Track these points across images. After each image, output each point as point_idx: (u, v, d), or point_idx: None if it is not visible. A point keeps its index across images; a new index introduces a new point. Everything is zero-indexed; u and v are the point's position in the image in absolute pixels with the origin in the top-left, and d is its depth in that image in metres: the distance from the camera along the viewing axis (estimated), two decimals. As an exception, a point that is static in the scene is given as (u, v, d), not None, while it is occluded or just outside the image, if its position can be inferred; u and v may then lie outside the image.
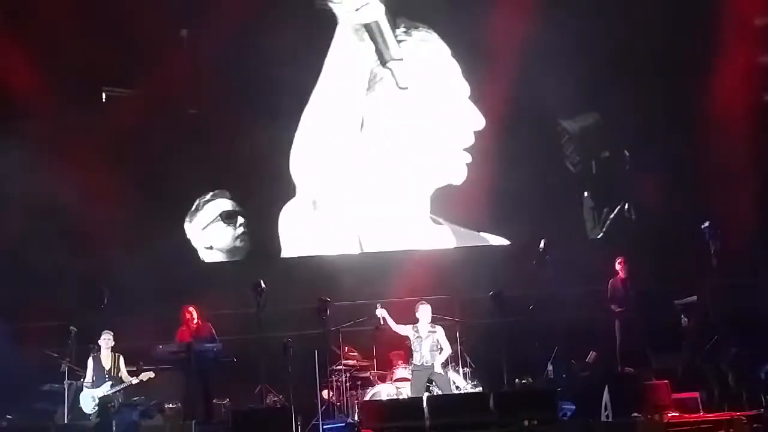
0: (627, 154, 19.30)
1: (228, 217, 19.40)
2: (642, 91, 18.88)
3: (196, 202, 19.40)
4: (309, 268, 18.79)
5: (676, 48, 18.93)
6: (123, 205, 18.17)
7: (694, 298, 16.46)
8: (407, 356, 16.20)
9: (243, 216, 19.44)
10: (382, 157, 19.38)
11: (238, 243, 19.38)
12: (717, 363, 15.48)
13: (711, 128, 18.33)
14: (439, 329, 15.69)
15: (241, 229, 19.41)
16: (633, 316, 16.52)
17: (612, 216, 19.12)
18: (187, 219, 19.36)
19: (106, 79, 18.83)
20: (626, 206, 19.04)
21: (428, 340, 15.54)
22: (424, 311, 15.73)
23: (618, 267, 16.97)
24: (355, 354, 17.30)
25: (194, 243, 19.33)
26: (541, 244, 16.91)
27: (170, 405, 16.10)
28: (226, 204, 19.43)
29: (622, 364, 16.38)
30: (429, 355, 15.51)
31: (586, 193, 19.33)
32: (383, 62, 19.11)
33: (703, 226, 16.26)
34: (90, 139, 18.33)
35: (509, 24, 18.61)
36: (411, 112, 19.33)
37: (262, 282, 16.14)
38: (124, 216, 18.20)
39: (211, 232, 19.39)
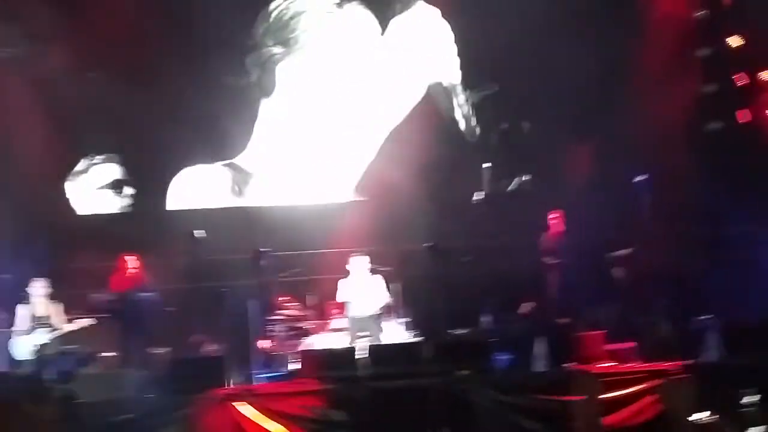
0: (528, 125, 19.35)
1: (118, 185, 19.27)
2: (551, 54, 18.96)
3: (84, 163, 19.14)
4: (245, 219, 18.78)
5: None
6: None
7: (628, 250, 16.68)
8: (344, 306, 16.35)
9: (132, 186, 19.22)
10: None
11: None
12: (650, 314, 15.71)
13: (634, 87, 18.46)
14: (378, 278, 15.80)
15: (127, 200, 19.25)
16: (567, 269, 16.68)
17: (510, 189, 19.19)
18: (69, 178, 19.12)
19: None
20: (523, 178, 19.10)
21: (363, 290, 15.66)
22: (357, 263, 15.84)
23: (552, 220, 17.21)
24: (293, 304, 17.37)
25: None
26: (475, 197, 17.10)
27: (106, 353, 16.12)
28: (116, 171, 19.24)
29: (557, 315, 16.58)
30: (364, 305, 15.63)
31: (484, 165, 19.32)
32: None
33: (635, 180, 16.49)
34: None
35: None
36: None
37: (195, 231, 16.18)
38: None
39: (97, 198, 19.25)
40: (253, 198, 19.41)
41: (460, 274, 17.19)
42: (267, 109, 19.40)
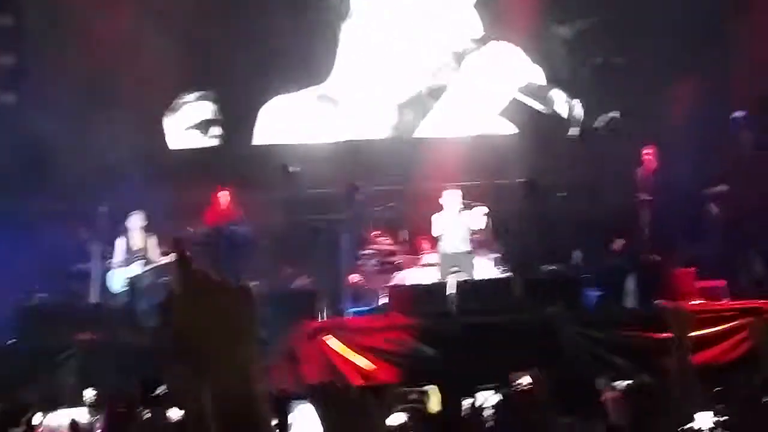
0: (621, 60, 19.03)
1: (205, 126, 19.47)
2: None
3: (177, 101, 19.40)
4: (336, 152, 18.89)
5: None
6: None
7: (725, 187, 16.46)
8: (432, 242, 16.43)
9: (222, 126, 19.44)
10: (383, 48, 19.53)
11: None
12: (745, 252, 15.53)
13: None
14: (469, 213, 15.81)
15: (215, 141, 19.48)
16: (660, 205, 16.48)
17: (598, 125, 18.97)
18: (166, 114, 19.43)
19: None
20: (611, 115, 18.82)
21: (456, 226, 15.69)
22: (449, 198, 15.85)
23: (646, 157, 17.02)
24: (385, 239, 17.51)
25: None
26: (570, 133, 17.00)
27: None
28: (207, 110, 19.46)
29: (649, 252, 16.43)
30: (456, 241, 15.68)
31: (573, 100, 19.16)
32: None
33: (733, 116, 16.21)
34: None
35: None
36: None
37: (290, 166, 16.37)
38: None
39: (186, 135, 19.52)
40: (343, 130, 19.49)
41: (552, 210, 17.14)
42: (349, 34, 19.51)
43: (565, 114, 18.79)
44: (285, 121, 19.33)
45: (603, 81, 18.88)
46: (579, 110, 18.72)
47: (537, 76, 19.23)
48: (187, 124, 19.41)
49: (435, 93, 19.34)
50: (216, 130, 19.43)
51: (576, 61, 19.20)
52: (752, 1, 18.24)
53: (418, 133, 19.50)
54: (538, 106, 19.02)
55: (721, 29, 18.17)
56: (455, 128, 19.43)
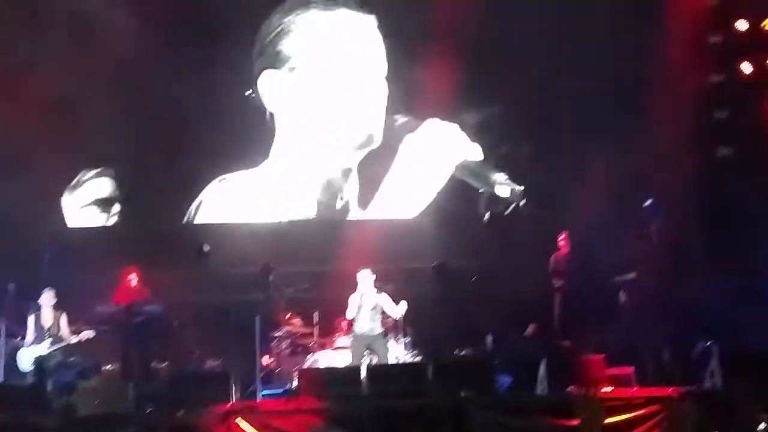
0: (527, 148, 19.30)
1: (104, 204, 19.31)
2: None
3: (77, 177, 19.19)
4: (252, 234, 18.82)
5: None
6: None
7: (633, 275, 16.73)
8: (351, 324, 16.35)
9: (121, 202, 19.26)
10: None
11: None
12: (652, 339, 15.71)
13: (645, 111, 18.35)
14: (383, 296, 15.82)
15: (114, 218, 19.27)
16: (572, 291, 16.77)
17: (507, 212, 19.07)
18: (66, 192, 19.17)
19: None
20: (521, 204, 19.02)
21: (368, 307, 15.68)
22: (363, 279, 15.87)
23: (561, 242, 17.30)
24: (297, 321, 17.46)
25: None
26: (486, 217, 17.18)
27: (108, 366, 16.21)
28: (106, 187, 19.28)
29: (560, 338, 16.62)
30: (369, 323, 15.65)
31: (481, 190, 19.22)
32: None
33: (645, 204, 16.52)
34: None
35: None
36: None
37: (205, 245, 16.26)
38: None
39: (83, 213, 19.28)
40: (259, 213, 19.44)
41: (465, 294, 17.23)
42: (279, 123, 19.53)
43: (505, 194, 18.94)
44: (206, 202, 19.36)
45: (511, 168, 19.12)
46: (517, 191, 18.93)
47: (475, 153, 19.38)
48: (84, 202, 19.19)
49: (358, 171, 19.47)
50: (115, 208, 19.27)
51: (484, 147, 19.40)
52: (668, 78, 18.35)
53: (340, 215, 19.55)
54: (477, 185, 19.16)
55: (634, 110, 18.39)
56: (375, 211, 19.51)
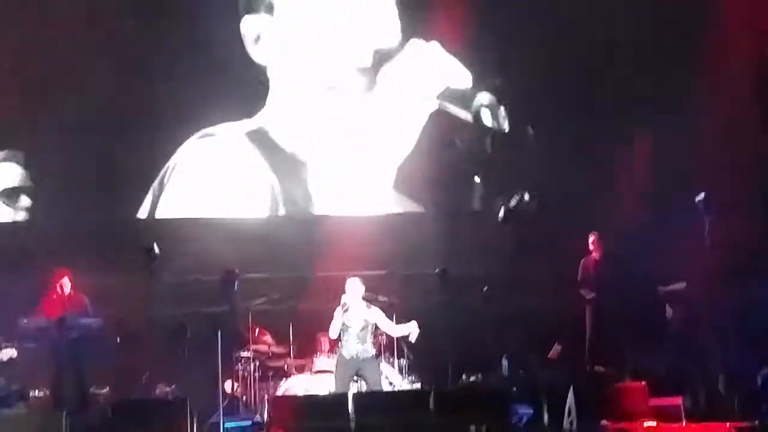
0: (531, 131, 19.51)
1: (8, 196, 19.25)
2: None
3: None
4: (214, 232, 18.76)
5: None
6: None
7: (683, 284, 16.73)
8: (332, 343, 16.35)
9: (30, 195, 19.22)
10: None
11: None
12: (706, 363, 15.72)
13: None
14: (374, 311, 15.74)
15: (22, 214, 19.24)
16: (607, 304, 16.78)
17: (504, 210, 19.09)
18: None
19: None
20: (522, 196, 19.01)
21: (356, 326, 15.57)
22: (350, 287, 15.60)
23: (591, 245, 17.27)
24: (269, 338, 17.44)
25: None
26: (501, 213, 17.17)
27: (36, 392, 16.13)
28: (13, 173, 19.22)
29: (592, 361, 16.66)
30: (357, 345, 15.54)
31: (477, 178, 19.47)
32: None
33: (697, 199, 16.48)
34: None
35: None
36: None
37: (156, 246, 16.19)
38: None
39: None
40: (227, 206, 19.45)
41: (475, 307, 17.21)
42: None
43: (490, 123, 19.14)
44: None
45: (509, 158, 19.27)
46: (504, 120, 19.11)
47: (463, 79, 19.52)
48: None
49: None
50: (26, 200, 19.23)
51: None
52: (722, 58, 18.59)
53: (316, 208, 19.53)
54: (461, 114, 19.30)
55: (683, 93, 18.67)
56: (359, 205, 19.54)
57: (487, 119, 19.27)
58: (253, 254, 18.17)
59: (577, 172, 18.82)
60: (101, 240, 18.41)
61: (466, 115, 19.39)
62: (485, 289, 17.05)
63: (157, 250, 16.03)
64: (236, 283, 16.43)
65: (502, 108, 19.34)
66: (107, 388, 16.47)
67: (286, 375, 16.84)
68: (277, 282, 17.87)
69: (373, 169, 19.62)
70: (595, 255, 17.22)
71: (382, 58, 19.55)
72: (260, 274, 17.75)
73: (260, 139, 19.36)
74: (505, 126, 19.30)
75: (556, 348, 17.30)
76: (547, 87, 19.16)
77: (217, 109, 19.14)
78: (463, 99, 19.47)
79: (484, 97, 19.34)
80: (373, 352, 15.63)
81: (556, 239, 18.30)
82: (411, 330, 15.37)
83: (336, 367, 15.67)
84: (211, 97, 18.92)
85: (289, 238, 18.69)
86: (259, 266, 17.87)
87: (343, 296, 15.43)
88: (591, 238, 17.26)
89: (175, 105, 18.85)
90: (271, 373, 17.03)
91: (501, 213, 17.67)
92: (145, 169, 19.26)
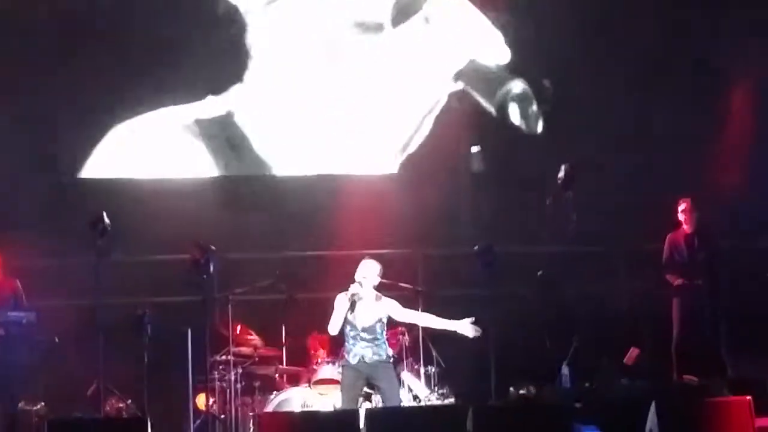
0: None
1: None
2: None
3: None
4: (182, 194, 18.91)
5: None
6: None
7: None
8: (331, 346, 16.41)
9: None
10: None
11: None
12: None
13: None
14: (390, 303, 15.75)
15: None
16: (701, 294, 16.80)
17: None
18: None
19: None
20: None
21: (364, 320, 15.53)
22: (364, 270, 15.58)
23: (681, 214, 17.28)
24: (254, 338, 17.41)
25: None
26: (561, 173, 17.13)
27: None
28: None
29: (680, 369, 16.67)
30: (365, 345, 15.55)
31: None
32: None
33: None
34: None
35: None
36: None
37: (105, 216, 16.19)
38: None
39: None
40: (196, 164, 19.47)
41: (526, 297, 17.45)
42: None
43: (518, 122, 19.30)
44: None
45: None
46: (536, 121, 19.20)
47: (495, 53, 19.59)
48: None
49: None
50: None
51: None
52: None
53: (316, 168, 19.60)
54: (481, 101, 19.41)
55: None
56: (372, 164, 19.60)
57: (514, 116, 19.21)
58: (231, 225, 18.21)
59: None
60: (33, 209, 18.40)
61: (486, 105, 19.38)
62: (540, 273, 17.08)
63: (107, 220, 16.04)
64: (211, 264, 16.38)
65: (534, 106, 19.33)
66: (41, 404, 16.37)
67: (278, 387, 16.87)
68: (265, 264, 17.90)
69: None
70: (685, 228, 17.14)
71: (399, 12, 19.57)
72: (243, 253, 17.75)
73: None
74: (538, 128, 19.23)
75: (633, 352, 17.26)
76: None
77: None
78: (488, 82, 19.48)
79: (516, 86, 19.29)
80: (387, 354, 15.59)
81: (632, 208, 18.38)
82: (463, 329, 15.45)
83: (342, 376, 15.68)
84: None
85: (282, 204, 18.75)
86: (241, 242, 17.89)
87: (354, 285, 15.38)
88: (681, 206, 17.19)
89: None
90: (257, 384, 17.01)
91: (561, 174, 17.55)
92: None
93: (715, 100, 18.99)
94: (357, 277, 15.38)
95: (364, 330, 15.35)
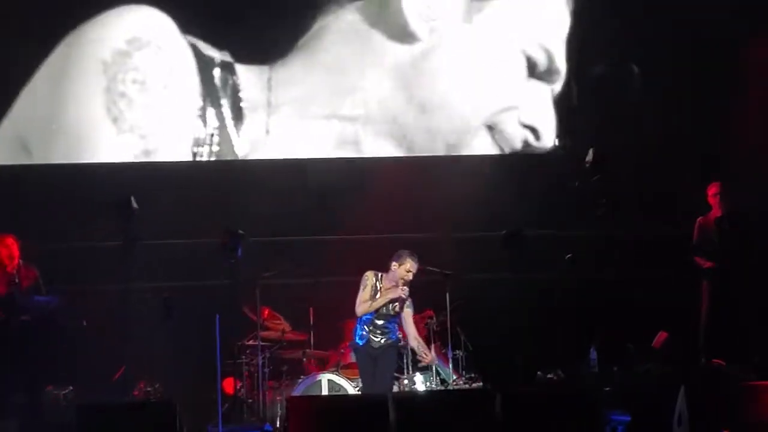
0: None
1: None
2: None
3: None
4: (208, 178, 18.81)
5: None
6: None
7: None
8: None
9: None
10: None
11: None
12: None
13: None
14: (410, 306, 15.39)
15: None
16: (731, 277, 16.69)
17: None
18: None
19: None
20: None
21: (386, 312, 15.53)
22: (408, 265, 15.30)
23: (711, 198, 17.16)
24: (282, 322, 17.38)
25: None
26: (589, 156, 17.07)
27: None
28: None
29: (709, 353, 16.57)
30: (378, 333, 15.43)
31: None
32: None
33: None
34: None
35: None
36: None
37: (133, 199, 16.17)
38: None
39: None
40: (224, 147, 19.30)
41: (553, 280, 17.41)
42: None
43: None
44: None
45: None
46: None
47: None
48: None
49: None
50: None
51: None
52: None
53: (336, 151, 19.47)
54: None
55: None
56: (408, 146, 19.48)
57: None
58: (258, 209, 18.14)
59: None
60: (56, 193, 18.37)
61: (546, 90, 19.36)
62: (568, 256, 17.04)
63: (135, 204, 16.05)
64: (240, 247, 16.36)
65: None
66: (70, 388, 16.37)
67: (306, 371, 16.91)
68: (294, 248, 17.96)
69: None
70: (715, 211, 17.07)
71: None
72: (273, 237, 17.82)
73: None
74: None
75: (662, 336, 17.20)
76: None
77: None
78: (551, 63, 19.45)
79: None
80: (396, 336, 15.51)
81: (661, 192, 18.39)
82: (427, 358, 15.47)
83: (356, 359, 15.65)
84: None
85: (310, 187, 18.71)
86: (270, 226, 17.85)
87: (404, 288, 15.27)
88: (711, 191, 17.13)
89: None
90: (284, 368, 17.04)
91: (589, 157, 17.49)
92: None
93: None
94: (401, 272, 15.25)
95: (379, 318, 15.31)
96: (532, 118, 19.32)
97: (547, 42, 19.44)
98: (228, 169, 19.00)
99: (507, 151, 19.29)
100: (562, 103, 19.30)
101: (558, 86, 19.41)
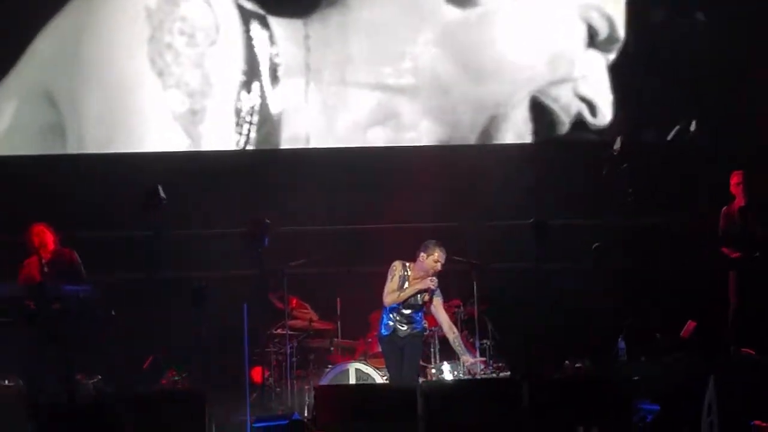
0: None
1: None
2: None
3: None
4: (235, 169, 18.69)
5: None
6: None
7: None
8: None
9: None
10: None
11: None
12: None
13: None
14: (439, 296, 15.45)
15: None
16: (758, 266, 16.57)
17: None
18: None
19: None
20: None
21: (413, 303, 15.45)
22: (435, 255, 15.29)
23: (735, 188, 17.05)
24: (310, 311, 17.38)
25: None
26: (617, 144, 17.00)
27: (5, 381, 16.12)
28: None
29: (738, 343, 16.44)
30: (404, 323, 15.39)
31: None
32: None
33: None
34: None
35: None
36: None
37: (160, 189, 16.13)
38: None
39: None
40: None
41: (581, 270, 17.32)
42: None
43: None
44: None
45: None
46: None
47: None
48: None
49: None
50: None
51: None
52: None
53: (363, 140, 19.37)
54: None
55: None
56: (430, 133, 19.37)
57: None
58: (285, 199, 18.21)
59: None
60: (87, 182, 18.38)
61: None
62: (595, 246, 16.96)
63: (162, 194, 16.01)
64: (267, 237, 16.32)
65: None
66: (98, 377, 16.35)
67: (333, 360, 16.90)
68: (321, 237, 17.97)
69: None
70: (739, 201, 16.98)
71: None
72: (301, 226, 17.84)
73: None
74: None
75: (690, 325, 17.09)
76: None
77: None
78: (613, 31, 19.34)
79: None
80: (420, 327, 15.48)
81: (689, 181, 18.34)
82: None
83: (382, 350, 15.65)
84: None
85: (336, 177, 18.61)
86: (299, 215, 17.89)
87: (434, 278, 15.22)
88: (734, 180, 17.04)
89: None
90: (312, 357, 17.11)
91: (617, 145, 17.40)
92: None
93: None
94: (429, 262, 15.24)
95: (406, 308, 15.28)
96: (589, 90, 19.20)
97: (608, 8, 19.28)
98: (261, 158, 18.99)
99: (554, 124, 19.27)
100: (619, 77, 19.22)
101: (613, 56, 19.32)
